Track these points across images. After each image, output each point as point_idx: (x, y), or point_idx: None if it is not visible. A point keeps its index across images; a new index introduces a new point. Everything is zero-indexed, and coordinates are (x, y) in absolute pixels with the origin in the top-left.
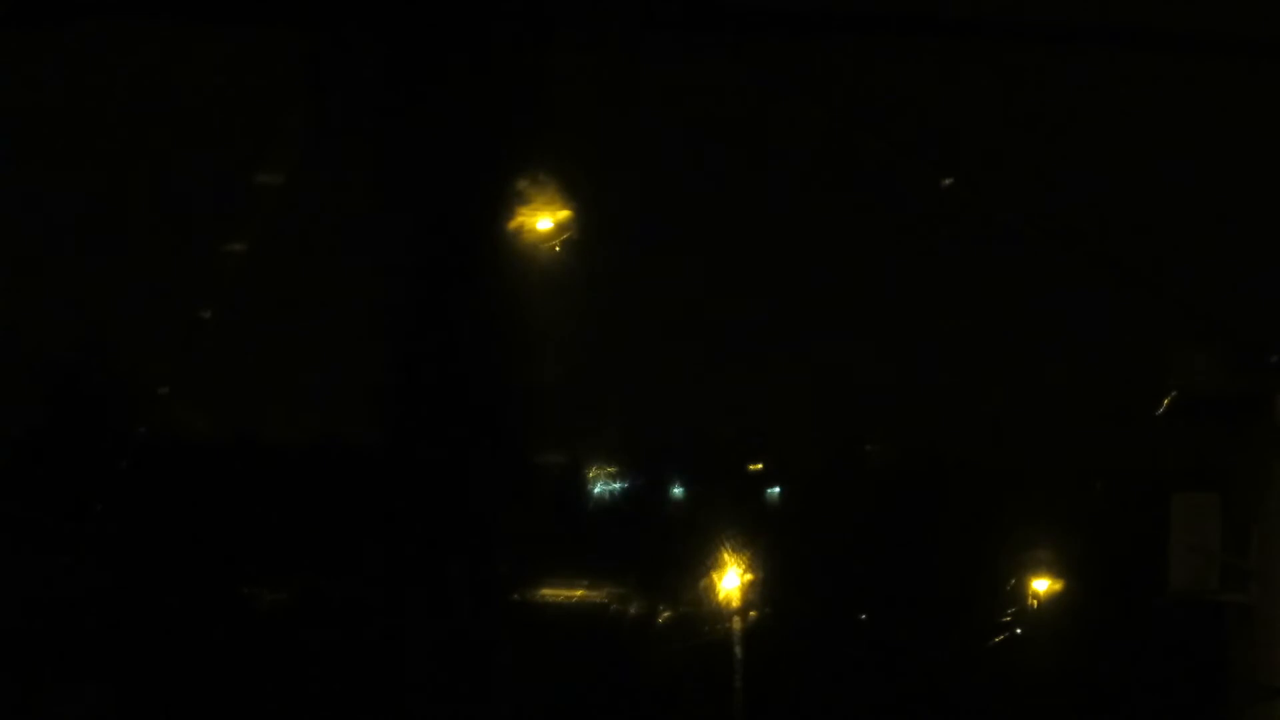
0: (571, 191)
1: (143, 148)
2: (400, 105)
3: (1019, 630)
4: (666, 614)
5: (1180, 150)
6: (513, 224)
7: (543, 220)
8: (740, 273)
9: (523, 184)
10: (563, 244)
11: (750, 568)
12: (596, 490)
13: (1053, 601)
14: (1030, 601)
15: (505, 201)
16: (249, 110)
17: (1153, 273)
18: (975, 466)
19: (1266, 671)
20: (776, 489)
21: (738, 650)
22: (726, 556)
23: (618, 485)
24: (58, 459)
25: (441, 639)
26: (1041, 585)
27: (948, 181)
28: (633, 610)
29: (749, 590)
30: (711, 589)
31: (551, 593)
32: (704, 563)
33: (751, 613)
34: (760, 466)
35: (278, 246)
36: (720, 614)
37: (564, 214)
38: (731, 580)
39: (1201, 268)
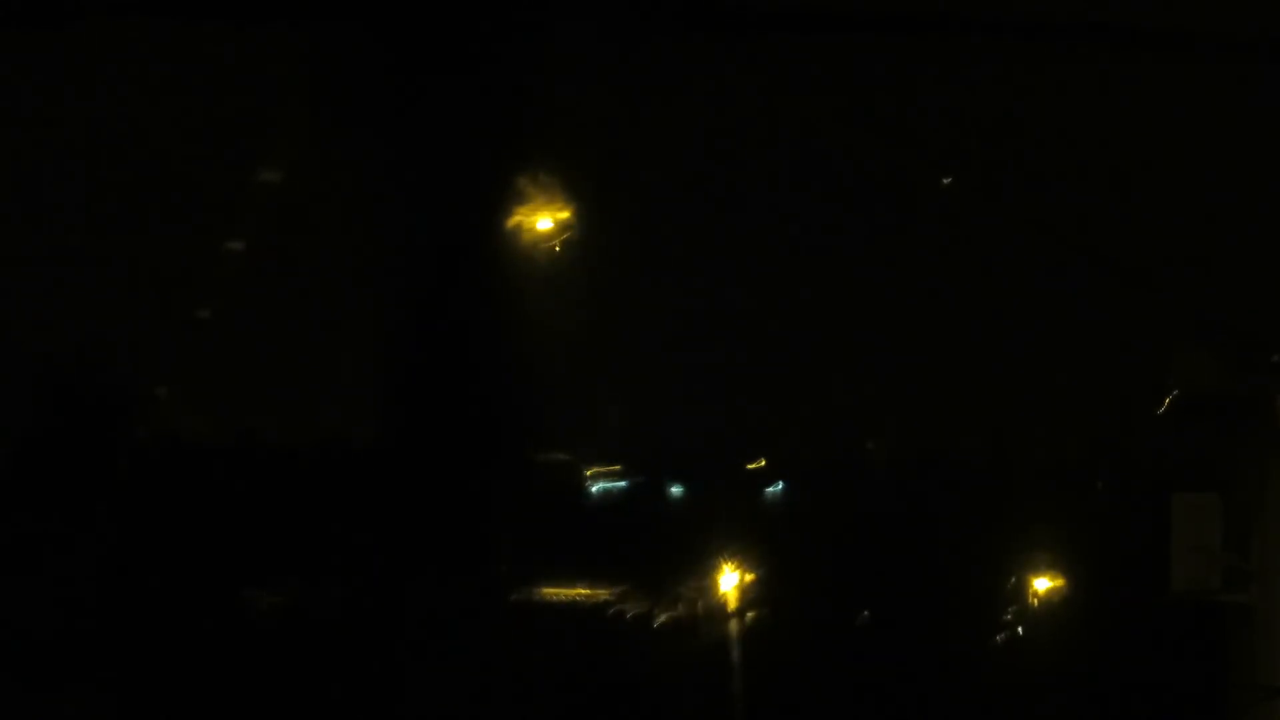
0: (572, 191)
1: (142, 147)
2: (401, 106)
3: (1019, 630)
4: (665, 614)
5: (1181, 150)
6: (513, 223)
7: (543, 220)
8: (740, 272)
9: (523, 184)
10: (563, 244)
11: (750, 568)
12: (596, 490)
13: (1053, 601)
14: (1030, 601)
15: (506, 201)
16: (250, 109)
17: (1153, 273)
18: (975, 466)
19: (1267, 672)
20: (777, 488)
21: (736, 651)
22: (726, 556)
23: (618, 485)
24: (57, 460)
25: (442, 638)
26: (1042, 585)
27: (947, 181)
28: (632, 610)
29: (748, 590)
30: (710, 589)
31: (551, 593)
32: (703, 563)
33: (750, 613)
34: (761, 465)
35: (278, 246)
36: (719, 614)
37: (564, 214)
38: (730, 580)
39: (1201, 268)
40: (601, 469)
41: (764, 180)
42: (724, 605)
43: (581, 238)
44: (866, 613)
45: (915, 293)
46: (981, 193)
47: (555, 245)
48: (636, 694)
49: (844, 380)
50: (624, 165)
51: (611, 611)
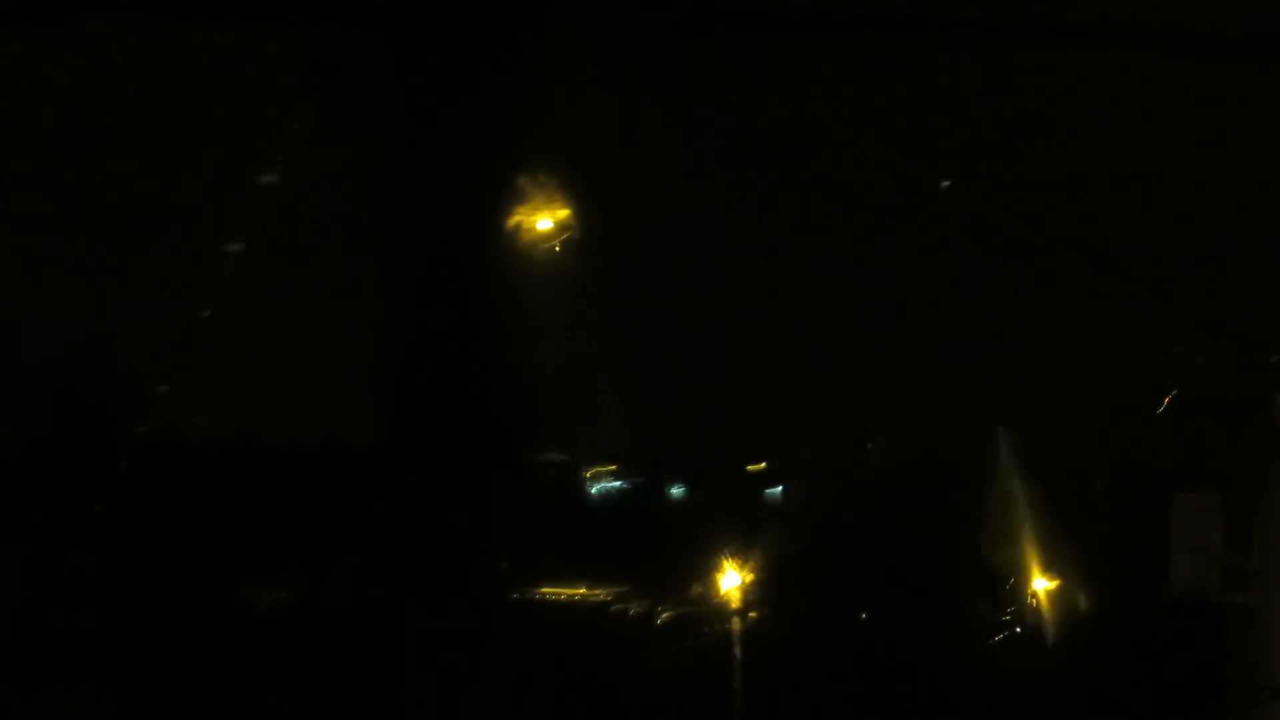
0: (571, 191)
1: (143, 147)
2: (401, 106)
3: (1019, 630)
4: (666, 614)
5: (1180, 149)
6: (513, 224)
7: (543, 220)
8: (740, 272)
9: (523, 184)
10: (563, 244)
11: (750, 568)
12: (596, 490)
13: (1053, 601)
14: (1030, 601)
15: (506, 202)
16: (250, 110)
17: (1153, 273)
18: (975, 466)
19: (1267, 672)
20: (777, 489)
21: (737, 650)
22: (726, 556)
23: (617, 485)
24: (57, 459)
25: (442, 637)
26: (1041, 585)
27: (947, 183)
28: (633, 610)
29: (749, 590)
30: (711, 589)
31: (551, 592)
32: (704, 563)
33: (751, 613)
34: (761, 466)
35: (278, 246)
36: (720, 614)
37: (564, 214)
38: (731, 580)
39: (1201, 268)
40: (601, 469)
41: (764, 181)
42: (725, 605)
43: (581, 238)
44: (864, 614)
45: (916, 293)
46: (982, 194)
47: (555, 245)
48: (637, 692)
49: (844, 381)
50: (624, 165)
51: (611, 611)
